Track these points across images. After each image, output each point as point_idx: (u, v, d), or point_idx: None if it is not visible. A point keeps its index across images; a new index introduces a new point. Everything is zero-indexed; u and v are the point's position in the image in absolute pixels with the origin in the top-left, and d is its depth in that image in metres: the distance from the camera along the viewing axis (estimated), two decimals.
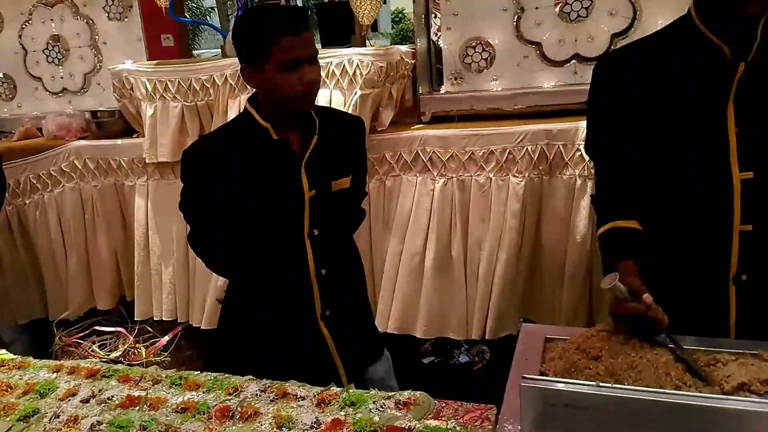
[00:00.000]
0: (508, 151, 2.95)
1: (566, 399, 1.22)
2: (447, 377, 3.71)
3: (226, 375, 1.72)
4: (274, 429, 1.44)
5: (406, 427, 1.40)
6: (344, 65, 3.01)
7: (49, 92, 4.17)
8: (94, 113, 3.72)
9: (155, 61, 3.47)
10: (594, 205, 1.85)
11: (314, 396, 1.57)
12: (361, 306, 2.19)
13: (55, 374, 1.78)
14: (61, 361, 1.83)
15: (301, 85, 1.78)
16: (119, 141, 3.60)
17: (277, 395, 1.58)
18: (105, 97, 4.00)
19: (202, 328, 3.36)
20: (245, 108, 1.91)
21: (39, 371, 1.81)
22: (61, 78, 4.11)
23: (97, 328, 3.65)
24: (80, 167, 3.65)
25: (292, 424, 1.45)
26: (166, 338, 3.60)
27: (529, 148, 2.91)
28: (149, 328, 3.73)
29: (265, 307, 2.01)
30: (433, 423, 1.41)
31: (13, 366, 1.83)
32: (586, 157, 2.79)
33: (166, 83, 3.34)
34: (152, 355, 3.57)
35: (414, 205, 3.00)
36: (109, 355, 3.56)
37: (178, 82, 3.31)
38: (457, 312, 3.02)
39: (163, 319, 3.59)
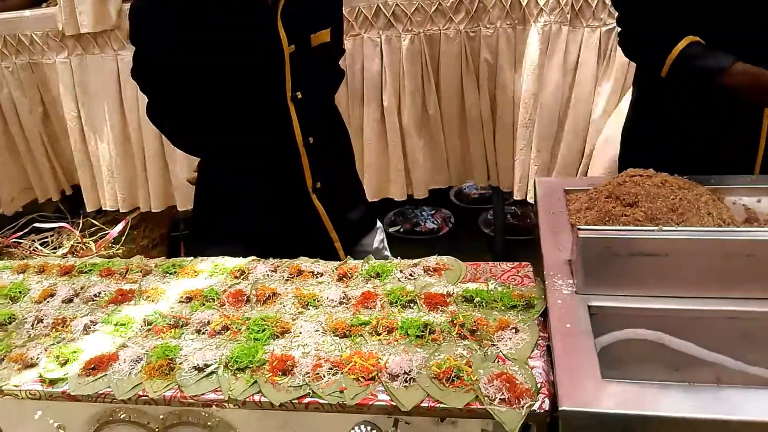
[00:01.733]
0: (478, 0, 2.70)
1: (631, 247, 1.14)
2: (417, 244, 3.70)
3: (225, 258, 1.54)
4: (300, 308, 1.30)
5: (445, 293, 1.29)
6: None
7: None
8: None
9: None
10: (631, 44, 1.70)
11: (333, 271, 1.43)
12: (351, 175, 2.02)
13: (21, 275, 1.55)
14: (26, 261, 1.59)
15: None
16: (27, 12, 3.06)
17: (291, 274, 1.43)
18: None
19: (179, 208, 3.11)
20: None
21: (2, 273, 1.56)
22: None
23: (37, 225, 3.31)
24: None
25: (318, 301, 1.32)
26: (117, 228, 3.32)
27: None
28: (94, 221, 3.42)
29: (249, 185, 1.80)
30: (472, 286, 1.31)
31: None
32: (563, 1, 2.59)
33: None
34: (103, 248, 3.31)
35: (385, 67, 2.74)
36: (54, 252, 3.26)
37: None
38: (440, 169, 2.90)
39: (109, 209, 3.29)
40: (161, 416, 1.29)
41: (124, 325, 1.30)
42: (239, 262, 1.51)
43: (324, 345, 1.19)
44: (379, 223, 2.09)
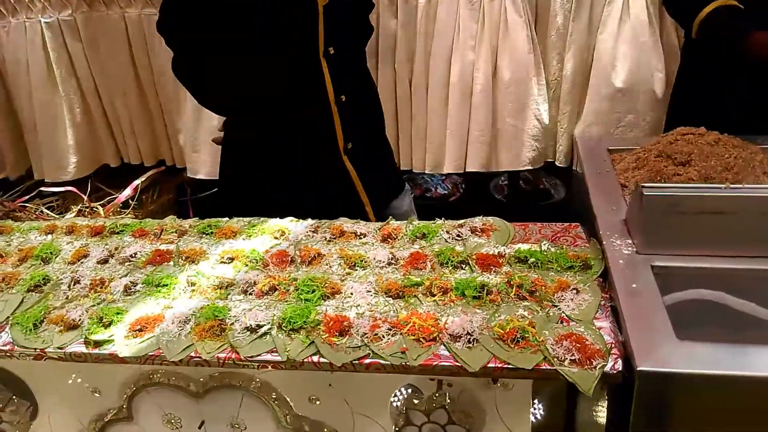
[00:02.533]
0: None
1: (697, 205, 1.10)
2: (428, 209, 3.65)
3: (261, 219, 1.49)
4: (347, 269, 1.27)
5: (496, 253, 1.26)
6: None
7: None
8: None
9: None
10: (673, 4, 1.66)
11: (376, 232, 1.40)
12: (381, 137, 1.96)
13: (49, 236, 1.50)
14: (53, 221, 1.54)
15: None
16: None
17: (333, 234, 1.39)
18: None
19: (188, 175, 3.04)
20: None
21: (27, 234, 1.51)
22: None
23: (43, 189, 3.24)
24: None
25: (365, 262, 1.28)
26: (126, 193, 3.25)
27: None
28: (101, 185, 3.35)
29: (279, 145, 1.74)
30: (524, 247, 1.28)
31: None
32: None
33: None
34: (111, 213, 3.25)
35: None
36: (62, 216, 3.20)
37: None
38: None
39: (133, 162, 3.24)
40: (201, 379, 1.27)
41: (167, 285, 1.25)
42: (277, 222, 1.47)
43: (378, 306, 1.15)
44: (407, 186, 2.05)
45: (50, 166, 3.27)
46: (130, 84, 3.03)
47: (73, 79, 3.09)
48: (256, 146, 1.78)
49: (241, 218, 1.51)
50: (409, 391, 1.18)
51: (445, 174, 3.85)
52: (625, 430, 0.97)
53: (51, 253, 1.40)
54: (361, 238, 1.38)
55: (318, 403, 1.25)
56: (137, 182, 3.32)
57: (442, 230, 1.37)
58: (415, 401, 1.18)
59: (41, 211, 3.23)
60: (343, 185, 1.79)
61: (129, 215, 3.29)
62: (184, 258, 1.35)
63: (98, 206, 3.30)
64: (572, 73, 2.50)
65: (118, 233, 1.48)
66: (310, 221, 1.46)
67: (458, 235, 1.34)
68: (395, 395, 1.19)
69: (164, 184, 3.47)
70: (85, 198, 3.28)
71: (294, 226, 1.44)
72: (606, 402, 1.02)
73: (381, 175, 1.92)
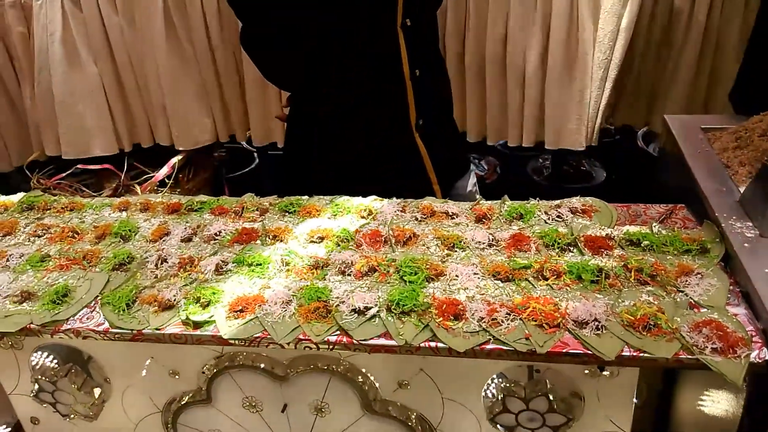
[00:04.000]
0: None
1: None
2: None
3: (344, 197, 1.44)
4: (446, 251, 1.21)
5: (604, 235, 1.20)
6: None
7: None
8: None
9: None
10: None
11: (468, 212, 1.34)
12: (450, 114, 1.90)
13: (123, 213, 1.45)
14: (125, 198, 1.48)
15: None
16: None
17: (424, 214, 1.33)
18: None
19: (255, 144, 3.02)
20: None
21: (100, 211, 1.46)
22: None
23: (80, 166, 3.18)
24: None
25: (464, 243, 1.22)
26: (163, 171, 3.20)
27: None
28: (137, 164, 3.30)
29: (349, 121, 1.68)
30: (632, 229, 1.22)
31: (63, 208, 1.47)
32: None
33: None
34: (149, 191, 3.19)
35: None
36: (100, 195, 3.15)
37: None
38: None
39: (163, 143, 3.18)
40: (286, 361, 1.22)
41: (260, 265, 1.20)
42: (362, 201, 1.41)
43: (487, 289, 1.10)
44: (472, 166, 1.98)
45: (83, 143, 3.20)
46: (164, 60, 2.96)
47: (108, 56, 3.02)
48: (324, 122, 1.72)
49: (321, 197, 1.46)
50: (507, 377, 1.14)
51: (480, 156, 3.81)
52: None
53: (130, 230, 1.35)
54: (453, 218, 1.32)
55: (408, 387, 1.20)
56: (174, 160, 3.27)
57: (539, 210, 1.31)
58: (515, 388, 1.14)
59: (77, 189, 3.19)
60: (412, 163, 1.74)
61: (165, 194, 3.24)
62: (271, 237, 1.30)
63: (135, 185, 3.26)
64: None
65: (196, 210, 1.43)
66: (395, 200, 1.41)
67: (558, 216, 1.28)
68: (490, 381, 1.15)
69: (200, 161, 3.42)
70: (122, 176, 3.23)
71: (379, 205, 1.39)
72: (745, 394, 0.97)
73: (449, 154, 1.86)
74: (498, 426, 1.17)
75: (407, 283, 1.12)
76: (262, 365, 1.23)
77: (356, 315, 1.06)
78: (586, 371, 1.08)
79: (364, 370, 1.20)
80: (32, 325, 1.11)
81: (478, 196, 1.97)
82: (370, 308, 1.07)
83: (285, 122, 1.84)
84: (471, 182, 1.96)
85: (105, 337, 1.09)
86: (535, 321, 1.01)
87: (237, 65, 2.96)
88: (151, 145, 3.37)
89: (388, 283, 1.14)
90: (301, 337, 1.05)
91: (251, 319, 1.08)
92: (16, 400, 1.46)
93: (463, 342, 1.00)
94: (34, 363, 1.33)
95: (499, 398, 1.14)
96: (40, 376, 1.31)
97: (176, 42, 2.92)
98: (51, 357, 1.32)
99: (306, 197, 1.46)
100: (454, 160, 1.90)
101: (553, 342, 0.98)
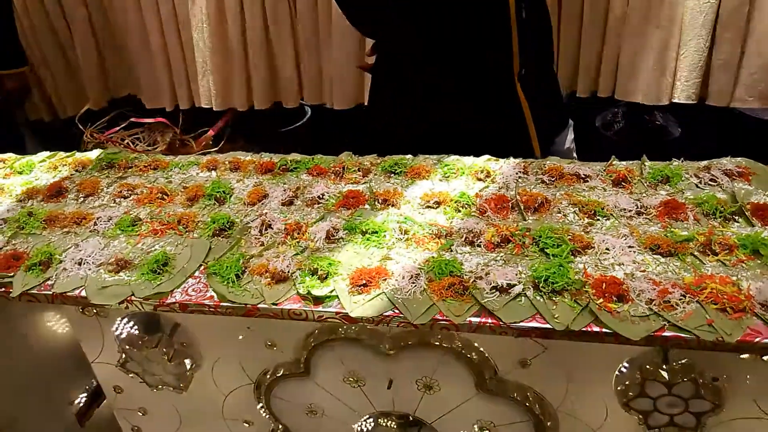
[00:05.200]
0: None
1: None
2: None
3: (453, 157, 1.29)
4: (586, 219, 1.07)
5: None
6: None
7: None
8: None
9: None
10: None
11: (602, 173, 1.18)
12: (551, 63, 1.72)
13: (212, 172, 1.33)
14: (213, 156, 1.36)
15: None
16: None
17: (551, 176, 1.18)
18: None
19: (335, 108, 2.82)
20: None
21: (188, 170, 1.34)
22: None
23: (133, 120, 3.08)
24: None
25: (607, 210, 1.08)
26: (219, 124, 3.08)
27: None
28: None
29: (447, 69, 1.51)
30: None
31: (145, 166, 1.35)
32: None
33: None
34: (204, 146, 3.09)
35: None
36: (154, 149, 3.05)
37: None
38: None
39: (203, 105, 3.04)
40: (395, 336, 1.10)
41: (376, 233, 1.07)
42: (475, 161, 1.27)
43: (647, 265, 0.95)
44: (570, 121, 1.81)
45: (149, 94, 3.09)
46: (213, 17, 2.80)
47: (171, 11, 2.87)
48: (416, 71, 1.56)
49: (426, 156, 1.31)
50: (648, 359, 1.01)
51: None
52: None
53: (224, 192, 1.23)
54: (586, 181, 1.17)
55: (529, 367, 1.08)
56: (228, 114, 3.15)
57: (686, 173, 1.15)
58: (657, 371, 1.00)
59: (129, 143, 3.10)
60: (511, 116, 1.58)
61: (216, 150, 3.14)
62: (380, 201, 1.17)
63: (190, 139, 3.15)
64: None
65: (291, 171, 1.30)
66: (513, 160, 1.26)
67: (712, 180, 1.12)
68: (627, 363, 1.02)
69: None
70: (178, 130, 3.12)
71: (497, 166, 1.24)
72: None
73: (549, 107, 1.70)
74: (631, 411, 1.05)
75: (550, 257, 0.98)
76: (369, 339, 1.12)
77: (498, 293, 0.93)
78: (744, 356, 0.94)
79: (481, 348, 1.08)
80: (133, 298, 1.00)
81: (575, 154, 1.82)
82: (514, 285, 0.93)
83: (369, 73, 1.68)
84: (569, 138, 1.79)
85: (216, 312, 0.99)
86: (716, 304, 0.86)
87: (292, 20, 2.78)
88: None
89: (527, 256, 1.00)
90: (438, 317, 0.92)
91: (377, 295, 0.96)
92: (99, 369, 1.38)
93: (634, 329, 0.86)
94: (120, 332, 1.24)
95: (637, 382, 1.02)
96: (127, 346, 1.22)
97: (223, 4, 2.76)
98: (139, 326, 1.23)
99: (410, 156, 1.31)
100: (553, 113, 1.73)
101: (741, 330, 0.84)
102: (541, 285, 0.93)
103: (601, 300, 0.90)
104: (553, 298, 0.91)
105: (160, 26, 2.87)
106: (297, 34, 2.77)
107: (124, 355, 1.24)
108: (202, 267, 1.05)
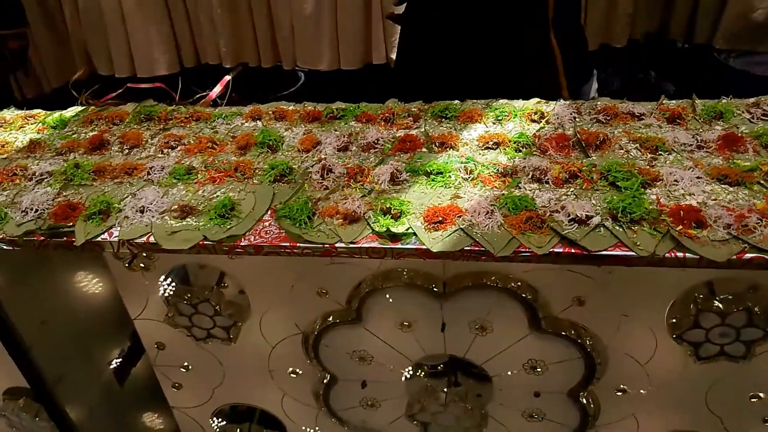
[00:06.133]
0: None
1: None
2: None
3: (501, 101, 1.29)
4: (648, 154, 1.08)
5: None
6: None
7: None
8: None
9: None
10: None
11: (654, 111, 1.20)
12: (579, 14, 1.72)
13: (257, 122, 1.30)
14: (257, 105, 1.33)
15: None
16: None
17: (607, 115, 1.19)
18: None
19: (343, 68, 2.78)
20: None
21: (231, 120, 1.32)
22: None
23: (130, 85, 2.99)
24: None
25: (667, 145, 1.09)
26: (217, 88, 3.01)
27: None
28: (187, 83, 3.10)
29: (483, 17, 1.51)
30: None
31: (187, 118, 1.33)
32: None
33: None
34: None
35: None
36: None
37: None
38: None
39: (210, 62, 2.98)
40: (448, 277, 1.12)
41: (441, 173, 1.07)
42: (527, 104, 1.27)
43: (717, 194, 0.97)
44: (594, 71, 1.83)
45: (146, 60, 2.99)
46: None
47: None
48: (448, 20, 1.55)
49: (474, 101, 1.31)
50: (699, 292, 1.04)
51: None
52: None
53: (275, 140, 1.21)
54: (641, 119, 1.18)
55: (584, 305, 1.10)
56: (228, 78, 3.08)
57: (736, 109, 1.17)
58: (715, 301, 1.04)
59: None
60: (544, 63, 1.58)
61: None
62: (438, 144, 1.16)
63: (188, 104, 3.08)
64: None
65: (338, 118, 1.28)
66: (564, 101, 1.26)
67: (764, 114, 1.14)
68: (684, 295, 1.05)
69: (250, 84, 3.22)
70: (176, 95, 3.05)
71: (548, 107, 1.24)
72: None
73: (576, 57, 1.70)
74: (684, 343, 1.08)
75: (621, 190, 1.00)
76: (421, 282, 1.13)
77: (577, 225, 0.94)
78: None
79: (535, 286, 1.10)
80: (206, 242, 0.99)
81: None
82: (592, 217, 0.95)
83: (397, 23, 1.67)
84: (594, 87, 1.81)
85: (291, 254, 0.98)
86: None
87: None
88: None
89: (597, 190, 1.01)
90: (520, 249, 0.93)
91: (454, 231, 0.96)
92: (142, 325, 1.37)
93: (717, 252, 0.88)
94: (168, 285, 1.22)
95: (691, 314, 1.05)
96: (178, 299, 1.21)
97: None
98: (187, 278, 1.22)
99: (457, 101, 1.31)
100: (580, 62, 1.74)
101: None
102: (618, 215, 0.94)
103: (680, 227, 0.91)
104: (633, 227, 0.93)
105: None
106: None
107: (174, 309, 1.23)
108: (270, 211, 1.04)
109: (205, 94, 3.09)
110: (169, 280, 1.21)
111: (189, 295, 1.20)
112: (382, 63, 2.76)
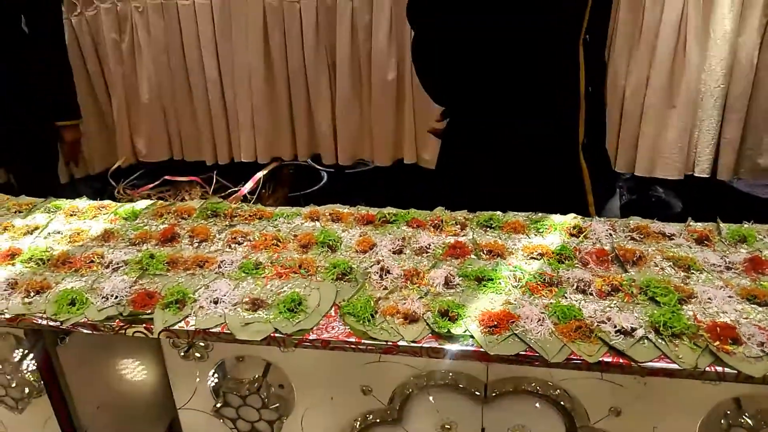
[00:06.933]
0: None
1: None
2: None
3: (540, 214, 1.41)
4: (680, 272, 1.18)
5: None
6: None
7: None
8: None
9: None
10: None
11: (683, 232, 1.31)
12: (604, 133, 1.88)
13: (316, 222, 1.42)
14: (315, 207, 1.45)
15: None
16: None
17: (641, 234, 1.30)
18: None
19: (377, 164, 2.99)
20: None
21: (292, 220, 1.43)
22: None
23: (167, 178, 3.16)
24: None
25: (699, 265, 1.19)
26: (249, 185, 3.17)
27: None
28: (219, 178, 3.27)
29: (519, 137, 1.65)
30: None
31: (250, 216, 1.44)
32: None
33: None
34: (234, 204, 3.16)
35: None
36: None
37: None
38: None
39: (244, 160, 3.16)
40: (490, 382, 1.18)
41: (491, 280, 1.17)
42: (565, 219, 1.39)
43: (749, 313, 1.06)
44: (617, 189, 1.97)
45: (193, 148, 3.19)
46: (257, 74, 2.95)
47: (200, 68, 3.03)
48: (487, 139, 1.70)
49: (515, 213, 1.43)
50: (729, 407, 1.10)
51: None
52: None
53: (334, 240, 1.31)
54: (671, 239, 1.29)
55: (620, 416, 1.16)
56: (260, 174, 3.25)
57: (758, 234, 1.29)
58: (745, 418, 1.10)
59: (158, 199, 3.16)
60: (572, 182, 1.71)
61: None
62: (485, 251, 1.27)
63: (220, 198, 3.23)
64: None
65: (391, 222, 1.39)
66: (599, 218, 1.38)
67: None
68: (712, 411, 1.11)
69: (279, 177, 3.40)
70: (210, 189, 3.20)
71: (585, 223, 1.36)
72: None
73: (603, 175, 1.84)
74: None
75: (660, 305, 1.09)
76: (465, 385, 1.19)
77: (623, 336, 1.02)
78: None
79: (573, 395, 1.16)
80: (277, 335, 1.07)
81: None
82: (637, 329, 1.03)
83: (439, 138, 1.82)
84: (617, 205, 1.94)
85: (357, 349, 1.05)
86: None
87: (330, 83, 2.96)
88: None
89: (637, 303, 1.11)
90: (571, 357, 1.01)
91: (509, 336, 1.04)
92: (185, 415, 1.41)
93: (753, 367, 0.96)
94: (218, 376, 1.28)
95: (722, 428, 1.11)
96: (228, 390, 1.26)
97: (270, 59, 2.93)
98: (238, 370, 1.27)
99: (499, 212, 1.43)
100: (606, 180, 1.88)
101: None
102: (660, 329, 1.02)
103: (718, 342, 0.99)
104: (674, 341, 1.01)
105: (204, 84, 3.02)
106: (335, 91, 2.94)
107: (222, 400, 1.28)
108: (334, 307, 1.13)
109: (236, 189, 3.26)
110: (220, 371, 1.27)
111: (239, 386, 1.25)
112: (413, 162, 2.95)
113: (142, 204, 1.51)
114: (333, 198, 1.54)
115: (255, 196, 3.25)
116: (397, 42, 2.77)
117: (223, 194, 3.29)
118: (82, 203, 1.54)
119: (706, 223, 1.35)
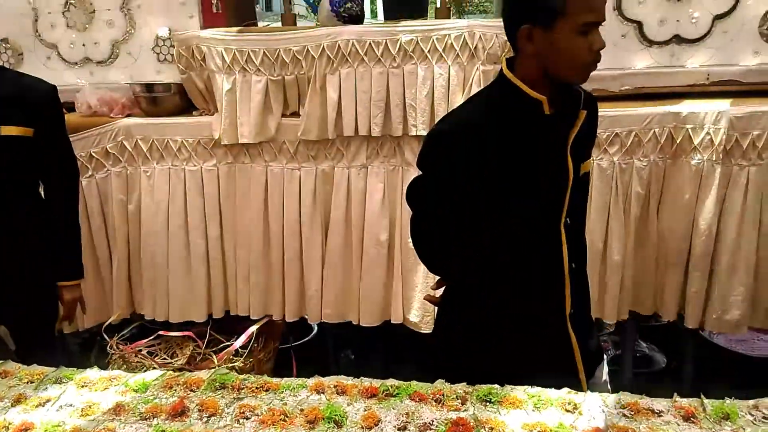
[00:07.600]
0: (634, 133, 2.84)
1: None
2: None
3: (536, 388, 1.49)
4: None
5: None
6: (464, 38, 2.78)
7: (66, 62, 3.55)
8: (147, 86, 3.21)
9: (236, 29, 3.06)
10: None
11: (670, 408, 1.39)
12: (589, 302, 2.00)
13: (321, 395, 1.47)
14: (320, 378, 1.51)
15: (591, 54, 1.55)
16: (182, 119, 3.15)
17: (631, 410, 1.37)
18: (136, 69, 3.45)
19: (330, 321, 3.11)
20: (504, 78, 1.65)
21: (298, 392, 1.48)
22: (83, 46, 3.51)
23: (162, 333, 3.19)
24: (130, 149, 3.16)
25: None
26: (241, 339, 3.20)
27: (656, 130, 2.82)
28: (214, 333, 3.31)
29: (508, 311, 1.77)
30: None
31: (258, 388, 1.49)
32: (716, 141, 2.73)
33: (249, 54, 2.95)
34: (225, 360, 3.17)
35: None
36: (176, 361, 3.12)
37: (264, 53, 2.93)
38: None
39: (240, 314, 3.23)
40: None
41: None
42: (559, 393, 1.46)
43: None
44: (605, 355, 2.05)
45: (181, 307, 3.24)
46: (256, 235, 3.11)
47: (202, 225, 3.18)
48: (479, 310, 1.81)
49: (512, 386, 1.50)
50: None
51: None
52: None
53: (340, 416, 1.37)
54: (660, 416, 1.36)
55: None
56: (252, 329, 3.29)
57: (740, 410, 1.37)
58: None
59: (148, 354, 3.18)
60: (561, 352, 1.80)
61: (239, 362, 3.23)
62: (487, 428, 1.32)
63: (211, 353, 3.25)
64: None
65: (394, 396, 1.45)
66: (591, 393, 1.45)
67: (765, 418, 1.34)
68: None
69: (269, 331, 3.44)
70: (202, 344, 3.23)
71: (579, 398, 1.43)
72: None
73: (591, 341, 1.94)
74: None
75: None
76: None
77: None
78: None
79: None
80: None
81: (609, 386, 2.01)
82: None
83: (436, 306, 1.93)
84: (605, 371, 2.01)
85: None
86: None
87: (322, 244, 3.11)
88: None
89: None
90: None
91: None
92: None
93: None
94: None
95: None
96: None
97: (268, 219, 3.11)
98: None
99: (497, 386, 1.50)
100: (594, 347, 1.97)
101: None
102: None
103: None
104: None
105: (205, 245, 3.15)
106: (326, 254, 3.08)
107: None
108: None
109: (229, 343, 3.29)
110: None
111: None
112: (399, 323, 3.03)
113: (151, 375, 1.56)
114: (321, 350, 1.60)
115: (247, 351, 3.27)
116: (389, 204, 2.98)
117: (214, 348, 3.32)
118: (93, 374, 1.58)
119: (690, 399, 1.43)
